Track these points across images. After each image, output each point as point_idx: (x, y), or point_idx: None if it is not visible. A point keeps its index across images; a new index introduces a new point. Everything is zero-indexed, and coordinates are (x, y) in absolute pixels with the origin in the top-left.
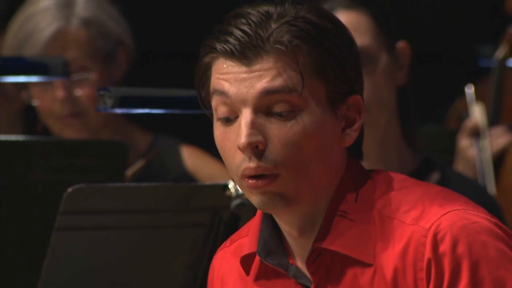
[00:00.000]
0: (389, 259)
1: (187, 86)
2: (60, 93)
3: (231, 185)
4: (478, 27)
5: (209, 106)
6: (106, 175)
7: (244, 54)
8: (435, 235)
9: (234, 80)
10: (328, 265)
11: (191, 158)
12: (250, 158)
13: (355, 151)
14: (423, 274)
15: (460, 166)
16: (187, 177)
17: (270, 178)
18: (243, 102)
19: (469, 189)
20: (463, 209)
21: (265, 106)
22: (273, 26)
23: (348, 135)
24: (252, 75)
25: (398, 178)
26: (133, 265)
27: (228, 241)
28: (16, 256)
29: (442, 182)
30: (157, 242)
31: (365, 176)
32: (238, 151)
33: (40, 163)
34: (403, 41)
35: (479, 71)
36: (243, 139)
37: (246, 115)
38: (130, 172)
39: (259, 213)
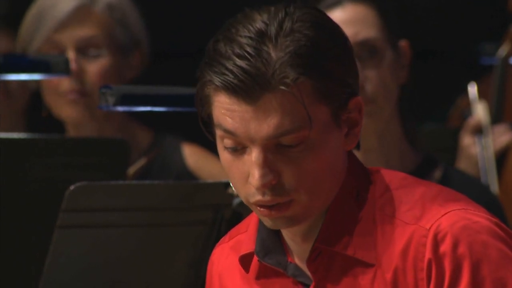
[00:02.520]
0: (389, 259)
1: (189, 85)
2: (71, 66)
3: None
4: (481, 25)
5: (210, 125)
6: (108, 173)
7: (248, 93)
8: (435, 235)
9: (240, 119)
10: (329, 264)
11: (193, 156)
12: (264, 193)
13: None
14: (423, 274)
15: (462, 164)
16: (188, 175)
17: (284, 206)
18: (251, 141)
19: (471, 188)
20: (464, 208)
21: (274, 143)
22: (273, 56)
23: (351, 138)
24: (258, 114)
25: (398, 176)
26: (135, 263)
27: (226, 237)
28: (18, 254)
29: (444, 180)
30: (159, 240)
31: (365, 175)
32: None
33: (42, 161)
34: (405, 40)
35: (481, 69)
36: (257, 182)
37: (256, 155)
38: (131, 170)
39: None
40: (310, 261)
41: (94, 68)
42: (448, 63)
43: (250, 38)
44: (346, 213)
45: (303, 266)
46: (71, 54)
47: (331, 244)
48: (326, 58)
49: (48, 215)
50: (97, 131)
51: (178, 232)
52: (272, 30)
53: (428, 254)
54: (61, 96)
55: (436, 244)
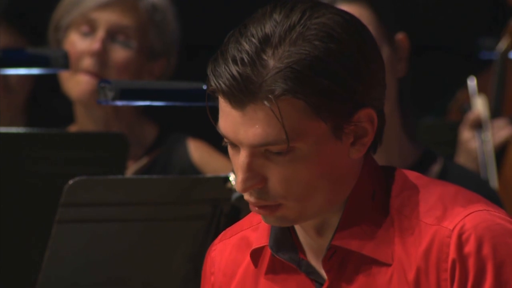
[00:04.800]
0: (410, 259)
1: (191, 80)
2: (96, 45)
3: (232, 177)
4: (480, 19)
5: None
6: (107, 168)
7: (235, 99)
8: (459, 236)
9: (231, 122)
10: (343, 263)
11: (198, 151)
12: (250, 193)
13: (372, 146)
14: (447, 275)
15: (461, 159)
16: (193, 171)
17: (273, 208)
18: (240, 144)
19: (470, 182)
20: (485, 210)
21: (261, 149)
22: (270, 64)
23: (358, 147)
24: (245, 120)
25: (412, 176)
26: (134, 257)
27: (227, 233)
28: (17, 248)
29: (443, 175)
30: (158, 234)
31: (381, 174)
32: None
33: (41, 156)
34: (402, 33)
35: (481, 63)
36: (239, 185)
37: (242, 158)
38: (134, 168)
39: None
40: (325, 260)
41: (118, 55)
42: (448, 57)
43: (253, 43)
44: (362, 213)
45: (315, 264)
46: (100, 33)
47: (347, 243)
48: (327, 75)
49: (47, 209)
50: (104, 124)
51: (177, 226)
52: (277, 36)
53: (452, 255)
54: (76, 73)
55: (461, 244)
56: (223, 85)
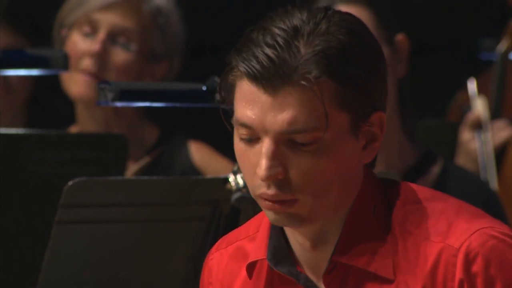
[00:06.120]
0: (416, 277)
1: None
2: (96, 46)
3: (231, 178)
4: (480, 20)
5: (230, 113)
6: (106, 169)
7: (269, 82)
8: (466, 255)
9: (259, 110)
10: (344, 278)
11: (199, 153)
12: (268, 186)
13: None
14: None
15: (461, 160)
16: (194, 172)
17: (288, 204)
18: (265, 132)
19: (470, 183)
20: (490, 226)
21: (286, 137)
22: (302, 50)
23: (368, 152)
24: (275, 106)
25: (413, 189)
26: (134, 259)
27: (223, 242)
28: (17, 249)
29: (443, 176)
30: (157, 235)
31: (381, 188)
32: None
33: (41, 157)
34: (401, 33)
35: (481, 64)
36: (263, 172)
37: (267, 146)
38: (135, 168)
39: (266, 220)
40: (326, 274)
41: (118, 57)
42: (448, 58)
43: (284, 30)
44: (363, 227)
45: (313, 277)
46: (101, 34)
47: (349, 258)
48: (353, 65)
49: (47, 210)
50: (105, 124)
51: (177, 227)
52: (307, 28)
53: (459, 274)
54: (75, 74)
55: (468, 264)
56: (257, 67)
